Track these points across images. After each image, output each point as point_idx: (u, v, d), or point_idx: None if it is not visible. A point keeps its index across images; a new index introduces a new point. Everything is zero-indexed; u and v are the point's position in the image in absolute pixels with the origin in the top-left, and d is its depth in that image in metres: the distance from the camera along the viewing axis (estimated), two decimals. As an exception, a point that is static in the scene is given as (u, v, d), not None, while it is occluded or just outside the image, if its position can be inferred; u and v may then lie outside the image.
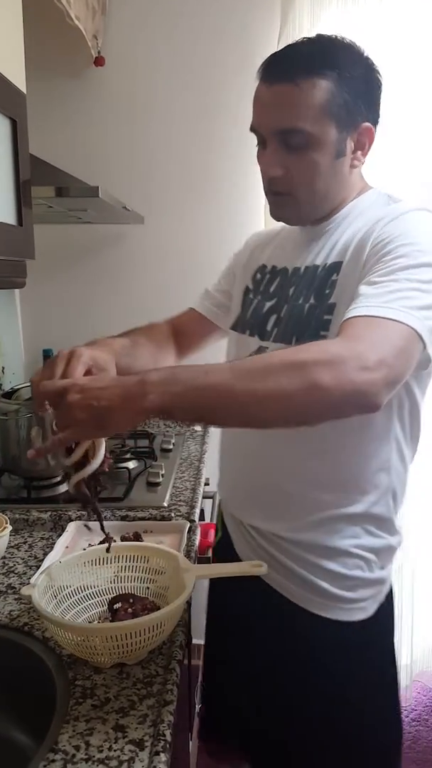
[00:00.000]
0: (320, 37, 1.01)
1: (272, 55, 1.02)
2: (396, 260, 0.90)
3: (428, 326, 0.86)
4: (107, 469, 0.95)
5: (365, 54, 1.01)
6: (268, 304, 1.13)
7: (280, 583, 1.09)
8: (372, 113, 1.02)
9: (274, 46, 1.95)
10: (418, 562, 2.24)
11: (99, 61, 1.94)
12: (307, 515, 1.05)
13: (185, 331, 1.34)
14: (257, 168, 1.06)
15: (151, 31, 1.99)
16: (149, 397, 0.80)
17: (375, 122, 1.03)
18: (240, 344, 1.16)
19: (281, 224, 1.17)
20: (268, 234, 1.28)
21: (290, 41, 1.85)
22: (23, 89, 1.09)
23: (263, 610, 1.12)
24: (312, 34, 1.83)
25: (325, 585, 1.05)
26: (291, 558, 1.07)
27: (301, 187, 1.03)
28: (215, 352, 1.27)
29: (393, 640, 1.16)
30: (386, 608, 1.12)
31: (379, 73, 1.02)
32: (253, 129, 1.04)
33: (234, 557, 1.18)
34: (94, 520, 1.00)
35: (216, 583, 1.29)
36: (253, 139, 1.05)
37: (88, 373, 0.93)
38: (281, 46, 1.89)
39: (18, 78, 1.07)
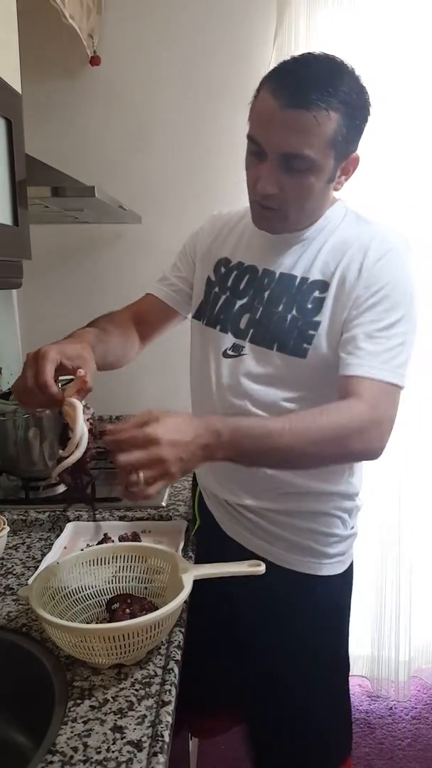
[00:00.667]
0: (327, 61, 1.02)
1: (285, 71, 1.02)
2: (388, 313, 1.04)
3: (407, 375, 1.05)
4: (88, 459, 0.95)
5: (360, 79, 1.04)
6: (239, 303, 1.18)
7: (267, 550, 1.19)
8: (359, 140, 1.07)
9: (270, 47, 1.95)
10: (415, 560, 2.24)
11: (95, 61, 1.93)
12: (294, 488, 1.16)
13: (146, 319, 1.35)
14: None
15: (147, 30, 1.98)
16: (221, 453, 0.92)
17: (357, 146, 1.08)
18: (209, 337, 1.21)
19: (243, 210, 1.23)
20: (228, 221, 1.29)
21: (286, 41, 1.91)
22: (18, 89, 1.09)
23: (246, 579, 1.13)
24: (308, 34, 1.88)
25: (312, 544, 1.18)
26: (278, 525, 1.18)
27: (292, 206, 1.07)
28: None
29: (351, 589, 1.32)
30: (353, 562, 1.29)
31: (369, 102, 1.06)
32: (251, 138, 1.05)
33: (219, 537, 1.25)
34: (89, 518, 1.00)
35: (198, 555, 1.33)
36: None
37: (61, 368, 0.95)
38: (277, 47, 1.94)
39: (13, 78, 1.07)
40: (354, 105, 1.01)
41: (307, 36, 1.89)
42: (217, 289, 1.23)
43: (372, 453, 1.02)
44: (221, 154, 2.04)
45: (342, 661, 1.33)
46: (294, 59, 1.04)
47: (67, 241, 2.12)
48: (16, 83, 1.08)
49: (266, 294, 1.15)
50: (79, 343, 1.03)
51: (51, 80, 1.99)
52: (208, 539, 1.32)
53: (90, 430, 0.93)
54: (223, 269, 1.24)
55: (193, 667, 1.28)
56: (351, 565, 1.28)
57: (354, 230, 1.11)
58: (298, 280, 1.12)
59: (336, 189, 1.11)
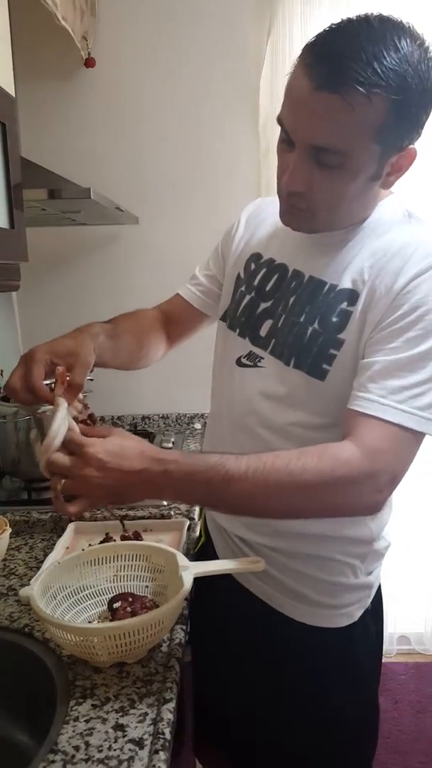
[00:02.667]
0: (383, 27, 0.81)
1: (321, 41, 0.83)
2: (419, 341, 0.85)
3: None
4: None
5: (429, 50, 0.83)
6: (263, 306, 1.06)
7: (263, 591, 1.08)
8: (420, 131, 0.88)
9: (264, 47, 1.95)
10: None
11: (89, 63, 1.94)
12: (291, 527, 1.02)
13: (174, 319, 1.26)
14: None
15: (141, 31, 1.98)
16: (169, 492, 0.85)
17: (418, 139, 0.89)
18: (229, 341, 1.11)
19: None
20: (266, 211, 1.14)
21: (280, 41, 1.90)
22: (12, 92, 1.09)
23: (246, 619, 1.11)
24: (303, 32, 1.87)
25: (307, 591, 1.04)
26: (274, 566, 1.04)
27: (322, 208, 0.92)
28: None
29: (379, 645, 1.15)
30: (372, 613, 1.10)
31: None
32: (280, 122, 0.90)
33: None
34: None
35: (198, 590, 1.28)
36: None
37: (52, 366, 0.92)
38: (270, 46, 1.93)
39: (7, 81, 1.07)
40: (409, 88, 0.80)
41: (302, 34, 1.88)
42: (243, 288, 1.10)
43: (362, 510, 0.89)
44: (217, 154, 2.04)
45: (363, 724, 1.15)
46: (339, 24, 0.83)
47: (66, 243, 2.13)
48: (9, 87, 1.09)
49: (291, 299, 1.00)
50: (75, 339, 0.98)
51: (46, 82, 2.00)
52: (208, 559, 1.21)
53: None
54: (253, 266, 1.10)
55: (205, 705, 1.26)
56: (366, 617, 1.09)
57: (400, 234, 0.93)
58: (327, 287, 0.96)
59: (385, 188, 0.94)
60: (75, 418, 0.91)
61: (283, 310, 1.02)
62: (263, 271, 1.08)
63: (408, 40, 0.81)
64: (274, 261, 1.07)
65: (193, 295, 1.26)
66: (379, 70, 0.78)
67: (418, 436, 0.86)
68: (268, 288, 1.06)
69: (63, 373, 0.92)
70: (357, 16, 0.83)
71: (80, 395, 0.94)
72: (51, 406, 0.90)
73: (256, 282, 1.08)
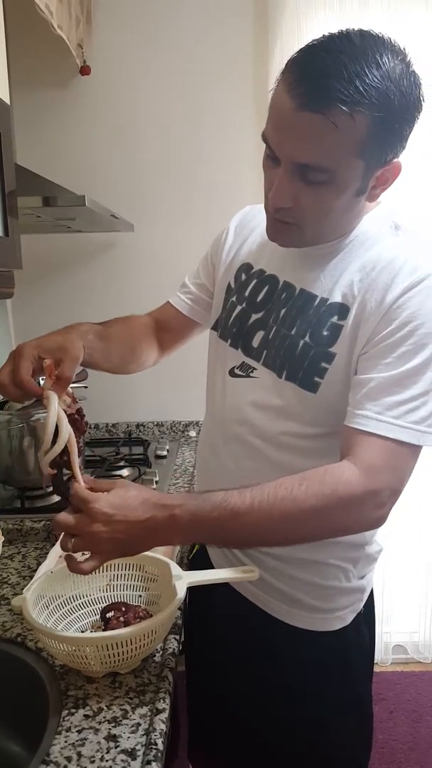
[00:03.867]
0: (363, 43, 0.81)
1: (307, 59, 0.83)
2: (412, 355, 0.87)
3: None
4: (66, 459, 0.90)
5: (411, 69, 0.83)
6: (254, 317, 1.06)
7: (255, 595, 1.08)
8: (404, 143, 0.88)
9: (262, 54, 1.96)
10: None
11: (85, 71, 1.94)
12: None
13: (165, 327, 1.27)
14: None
15: (137, 39, 1.99)
16: (178, 536, 0.86)
17: (402, 151, 0.89)
18: (221, 351, 1.12)
19: None
20: (256, 220, 1.14)
21: (278, 46, 1.91)
22: (7, 100, 1.09)
23: (240, 623, 1.11)
24: (299, 38, 1.87)
25: (300, 595, 1.04)
26: (266, 570, 1.04)
27: (309, 222, 0.93)
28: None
29: (371, 649, 1.16)
30: (365, 617, 1.11)
31: (421, 93, 0.85)
32: (264, 139, 0.90)
33: (210, 567, 1.16)
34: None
35: (192, 596, 1.27)
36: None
37: (41, 361, 0.92)
38: (270, 54, 1.94)
39: (1, 89, 1.07)
40: (392, 103, 0.81)
41: (298, 40, 1.89)
42: (234, 298, 1.10)
43: (367, 526, 0.92)
44: (213, 161, 2.05)
45: (357, 728, 1.15)
46: (321, 42, 0.83)
47: (62, 250, 2.13)
48: (4, 94, 1.09)
49: (282, 312, 1.01)
50: (63, 334, 0.98)
51: (42, 90, 2.00)
52: (202, 567, 1.17)
53: (74, 424, 0.91)
54: (243, 276, 1.11)
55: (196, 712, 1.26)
56: (359, 621, 1.09)
57: (388, 246, 0.94)
58: (317, 300, 0.96)
59: (370, 201, 0.94)
60: (63, 412, 0.90)
61: (274, 321, 1.03)
62: (254, 282, 1.09)
63: (389, 55, 0.81)
64: (265, 272, 1.08)
65: (184, 304, 1.26)
66: (361, 88, 0.78)
67: (415, 450, 0.88)
68: (259, 299, 1.07)
69: (51, 365, 0.93)
70: (338, 32, 0.83)
71: (69, 389, 0.94)
72: (44, 414, 0.90)
73: (246, 293, 1.09)
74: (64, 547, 0.85)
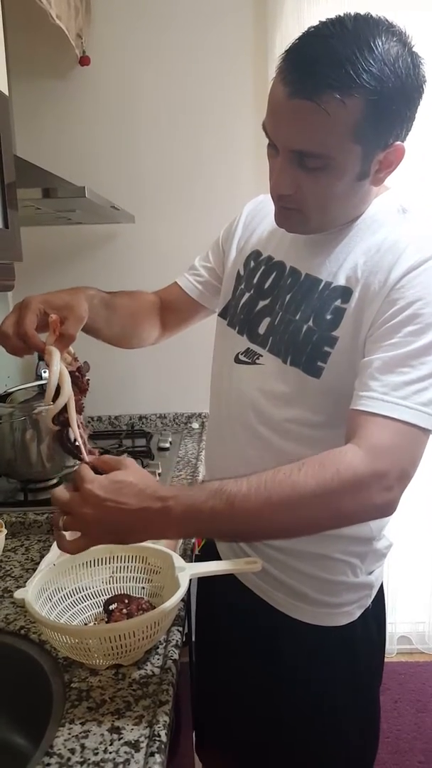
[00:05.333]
0: (357, 28, 0.81)
1: (296, 49, 0.84)
2: (418, 336, 0.84)
3: None
4: (65, 419, 0.90)
5: (411, 50, 0.82)
6: (261, 303, 1.06)
7: (263, 590, 1.07)
8: (407, 127, 0.87)
9: (261, 41, 1.95)
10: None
11: (84, 61, 1.93)
12: None
13: (170, 308, 1.27)
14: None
15: (136, 28, 1.98)
16: (173, 529, 0.81)
17: (407, 134, 0.88)
18: (228, 338, 1.11)
19: None
20: (267, 209, 1.11)
21: (278, 37, 1.89)
22: (5, 91, 1.08)
23: (247, 617, 1.11)
24: (299, 28, 1.85)
25: (307, 590, 1.03)
26: (274, 564, 1.04)
27: (312, 208, 0.92)
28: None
29: (381, 646, 1.14)
30: (373, 612, 1.09)
31: (423, 75, 0.84)
32: (264, 128, 0.91)
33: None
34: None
35: (200, 589, 1.27)
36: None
37: (45, 317, 0.93)
38: (269, 44, 1.92)
39: (0, 81, 1.06)
40: (387, 86, 0.79)
41: (299, 23, 1.87)
42: (243, 286, 1.10)
43: (375, 512, 0.85)
44: (215, 151, 2.04)
45: (364, 723, 1.13)
46: (315, 28, 0.84)
47: (62, 242, 2.13)
48: (3, 85, 1.08)
49: (287, 297, 1.00)
50: (70, 294, 0.98)
51: (41, 81, 1.99)
52: (211, 559, 1.18)
53: (75, 382, 0.90)
54: (252, 263, 1.10)
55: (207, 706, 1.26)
56: (367, 616, 1.07)
57: (393, 230, 0.92)
58: (321, 284, 0.96)
59: (375, 185, 0.93)
60: (66, 369, 0.91)
61: (280, 307, 1.02)
62: (262, 268, 1.09)
63: (384, 37, 0.80)
64: (273, 258, 1.08)
65: (191, 285, 1.26)
66: (352, 73, 0.78)
67: (424, 433, 0.83)
68: (266, 286, 1.07)
69: (56, 320, 0.93)
70: (333, 18, 0.83)
71: (70, 348, 0.94)
72: (45, 408, 0.90)
73: (255, 280, 1.09)
74: (55, 523, 0.83)
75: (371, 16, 0.83)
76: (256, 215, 1.17)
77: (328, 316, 0.93)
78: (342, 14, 0.83)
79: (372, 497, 0.80)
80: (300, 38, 0.85)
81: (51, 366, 0.88)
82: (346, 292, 0.92)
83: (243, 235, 1.17)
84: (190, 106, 2.02)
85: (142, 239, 2.11)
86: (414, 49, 0.83)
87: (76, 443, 0.90)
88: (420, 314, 0.84)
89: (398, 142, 0.87)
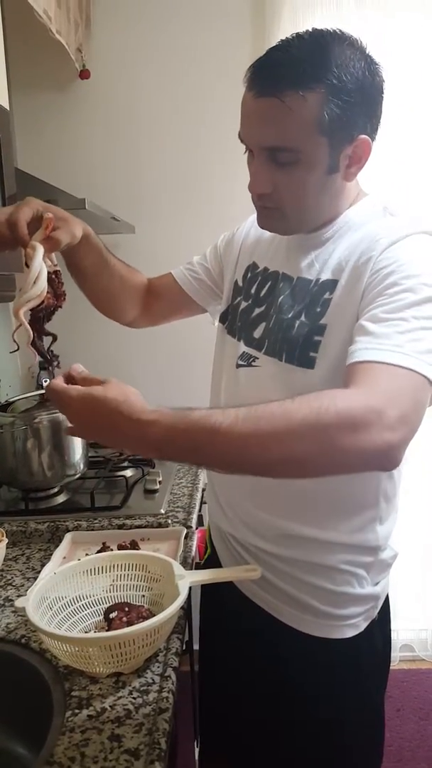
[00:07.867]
0: (313, 38, 0.90)
1: (259, 60, 0.93)
2: (401, 295, 0.84)
3: None
4: (42, 315, 0.97)
5: (366, 54, 0.91)
6: (257, 311, 1.09)
7: (267, 602, 1.07)
8: (371, 123, 0.93)
9: (260, 55, 1.97)
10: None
11: (84, 74, 1.95)
12: (297, 530, 1.01)
13: (158, 293, 1.30)
14: (248, 176, 1.02)
15: (135, 42, 2.00)
16: (152, 452, 0.81)
17: (374, 131, 0.94)
18: (227, 345, 1.14)
19: None
20: None
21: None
22: (6, 106, 1.10)
23: (251, 629, 1.10)
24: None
25: (312, 602, 1.02)
26: (278, 575, 1.04)
27: (289, 204, 0.97)
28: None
29: (386, 657, 1.14)
30: (379, 624, 1.09)
31: (380, 77, 0.92)
32: (240, 138, 0.97)
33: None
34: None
35: (205, 600, 1.28)
36: (240, 149, 1.02)
37: (38, 221, 0.95)
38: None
39: (1, 94, 1.08)
40: (345, 79, 0.86)
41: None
42: (241, 296, 1.14)
43: (374, 454, 0.76)
44: (213, 163, 2.06)
45: (368, 735, 1.13)
46: (277, 44, 0.93)
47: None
48: (4, 99, 1.10)
49: (279, 300, 1.04)
50: (74, 217, 1.03)
51: (41, 94, 2.01)
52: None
53: (50, 283, 0.94)
54: (249, 275, 1.14)
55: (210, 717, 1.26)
56: (372, 628, 1.06)
57: (376, 225, 0.96)
58: (312, 283, 0.99)
59: (347, 180, 0.97)
60: (45, 268, 0.93)
61: (274, 311, 1.05)
62: (258, 279, 1.12)
63: (339, 43, 0.89)
64: (268, 269, 1.11)
65: (184, 277, 1.29)
66: (309, 71, 0.86)
67: (424, 382, 0.79)
68: (262, 294, 1.10)
69: (51, 219, 0.95)
70: (292, 35, 0.92)
71: (53, 256, 0.98)
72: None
73: (252, 291, 1.12)
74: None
75: (327, 29, 0.91)
76: (257, 228, 1.17)
77: (318, 309, 0.96)
78: (304, 31, 0.92)
79: (371, 434, 0.73)
80: (266, 52, 0.93)
81: (33, 260, 0.90)
82: (333, 285, 0.96)
83: (243, 245, 1.20)
84: (189, 117, 2.04)
85: (143, 249, 2.11)
86: (368, 53, 0.91)
87: (51, 352, 0.97)
88: (401, 274, 0.86)
89: (363, 135, 0.92)
